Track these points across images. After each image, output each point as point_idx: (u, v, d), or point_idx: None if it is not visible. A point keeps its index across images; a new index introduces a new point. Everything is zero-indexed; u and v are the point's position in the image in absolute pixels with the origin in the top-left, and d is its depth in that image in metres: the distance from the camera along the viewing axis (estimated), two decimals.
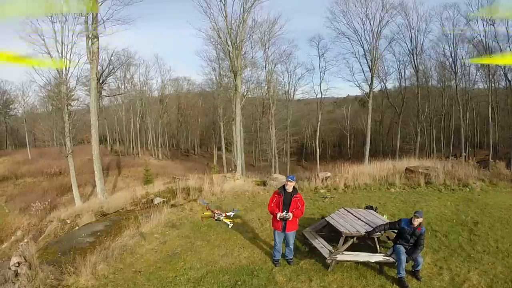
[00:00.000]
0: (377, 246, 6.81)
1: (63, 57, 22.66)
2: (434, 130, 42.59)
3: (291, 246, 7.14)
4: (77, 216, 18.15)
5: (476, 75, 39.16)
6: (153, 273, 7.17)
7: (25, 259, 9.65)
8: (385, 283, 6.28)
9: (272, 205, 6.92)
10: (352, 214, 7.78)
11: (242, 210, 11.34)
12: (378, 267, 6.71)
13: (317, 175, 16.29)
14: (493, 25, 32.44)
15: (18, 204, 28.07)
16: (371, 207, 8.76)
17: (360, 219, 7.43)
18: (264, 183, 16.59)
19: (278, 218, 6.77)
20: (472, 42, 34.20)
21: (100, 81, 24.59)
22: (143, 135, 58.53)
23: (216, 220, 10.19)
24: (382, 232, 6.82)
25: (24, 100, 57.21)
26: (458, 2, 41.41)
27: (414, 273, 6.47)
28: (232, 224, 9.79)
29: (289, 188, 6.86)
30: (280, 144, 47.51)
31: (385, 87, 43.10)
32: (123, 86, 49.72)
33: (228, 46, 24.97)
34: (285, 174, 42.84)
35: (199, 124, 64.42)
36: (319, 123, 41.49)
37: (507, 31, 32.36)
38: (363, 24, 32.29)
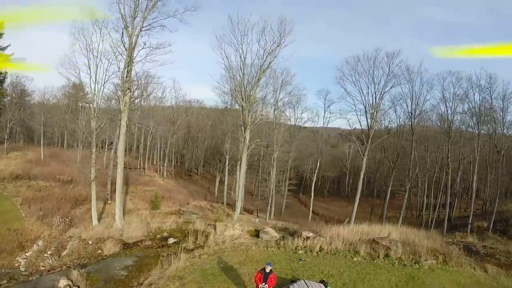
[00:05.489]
0: None
1: (95, 93, 27.65)
2: (426, 181, 47.58)
3: None
4: (99, 239, 22.29)
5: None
6: None
7: (72, 282, 14.29)
8: None
9: (256, 278, 11.84)
10: (307, 286, 12.61)
11: (237, 263, 16.22)
12: None
13: (301, 234, 21.11)
14: (491, 97, 38.23)
15: (34, 211, 30.50)
16: (323, 281, 13.56)
17: None
18: (257, 234, 21.53)
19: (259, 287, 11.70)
20: (467, 113, 39.79)
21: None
22: (151, 149, 64.28)
23: None
24: None
25: (45, 98, 62.97)
26: (461, 70, 46.73)
27: None
28: None
29: (267, 270, 11.79)
30: (280, 176, 52.64)
31: (385, 136, 47.88)
32: (138, 103, 55.31)
33: (242, 101, 30.19)
34: (280, 212, 47.89)
35: (205, 146, 70.82)
36: (317, 169, 46.60)
37: (503, 103, 38.04)
38: (368, 87, 37.50)
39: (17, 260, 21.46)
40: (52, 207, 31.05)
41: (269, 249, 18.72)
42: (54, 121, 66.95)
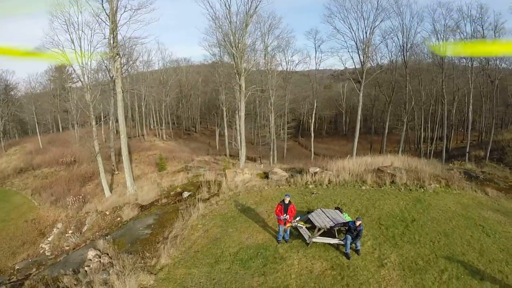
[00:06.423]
0: (336, 234, 12.57)
1: (83, 67, 27.19)
2: (423, 114, 48.40)
3: (288, 233, 12.90)
4: (116, 208, 22.93)
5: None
6: (207, 251, 12.85)
7: (100, 251, 14.62)
8: (338, 255, 12.04)
9: (277, 211, 12.55)
10: (324, 213, 13.42)
11: (253, 204, 17.05)
12: (336, 246, 12.44)
13: (308, 170, 21.82)
14: (482, 28, 37.88)
15: (46, 198, 30.84)
16: (338, 208, 14.44)
17: (328, 217, 13.10)
18: (266, 176, 22.23)
19: (281, 219, 12.44)
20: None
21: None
22: (146, 115, 64.36)
23: (294, 227, 13.52)
24: (340, 226, 12.50)
25: (31, 86, 62.15)
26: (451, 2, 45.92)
27: (356, 251, 12.10)
28: (304, 226, 13.45)
29: (286, 201, 12.49)
30: (279, 120, 53.37)
31: (379, 71, 48.01)
32: (126, 71, 54.46)
33: (233, 49, 29.78)
34: (282, 156, 48.86)
35: (199, 103, 70.76)
36: (314, 110, 46.95)
37: (494, 34, 37.80)
38: (357, 22, 36.92)
39: (41, 247, 22.04)
40: (62, 190, 31.51)
41: (280, 187, 19.64)
42: (45, 108, 66.20)
